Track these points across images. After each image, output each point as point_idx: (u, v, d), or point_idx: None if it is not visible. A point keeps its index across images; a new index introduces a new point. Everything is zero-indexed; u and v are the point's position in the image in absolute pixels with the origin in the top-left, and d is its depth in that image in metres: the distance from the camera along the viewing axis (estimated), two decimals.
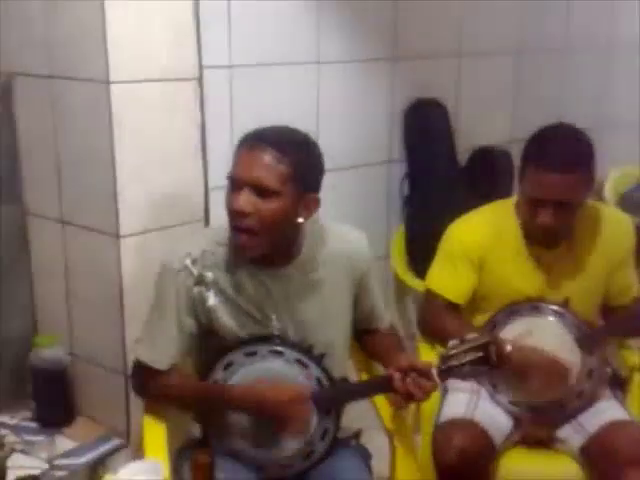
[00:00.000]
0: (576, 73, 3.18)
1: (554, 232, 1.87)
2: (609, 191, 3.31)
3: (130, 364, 1.73)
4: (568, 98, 3.09)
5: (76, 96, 1.87)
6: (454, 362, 1.52)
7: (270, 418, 1.57)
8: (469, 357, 1.52)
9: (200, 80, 1.96)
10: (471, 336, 1.55)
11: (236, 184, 1.53)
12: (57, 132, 1.95)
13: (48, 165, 1.99)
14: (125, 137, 1.82)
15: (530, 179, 1.84)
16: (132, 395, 1.82)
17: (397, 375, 1.53)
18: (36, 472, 1.71)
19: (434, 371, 1.53)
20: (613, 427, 1.84)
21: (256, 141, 1.53)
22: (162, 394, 1.66)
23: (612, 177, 3.35)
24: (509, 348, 1.66)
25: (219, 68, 2.03)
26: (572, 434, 1.91)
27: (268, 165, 1.50)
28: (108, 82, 1.78)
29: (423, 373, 1.52)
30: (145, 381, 1.67)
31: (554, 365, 1.85)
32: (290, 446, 1.61)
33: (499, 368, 1.57)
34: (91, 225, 1.92)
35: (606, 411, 1.90)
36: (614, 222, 2.01)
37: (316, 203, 1.59)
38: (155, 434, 1.66)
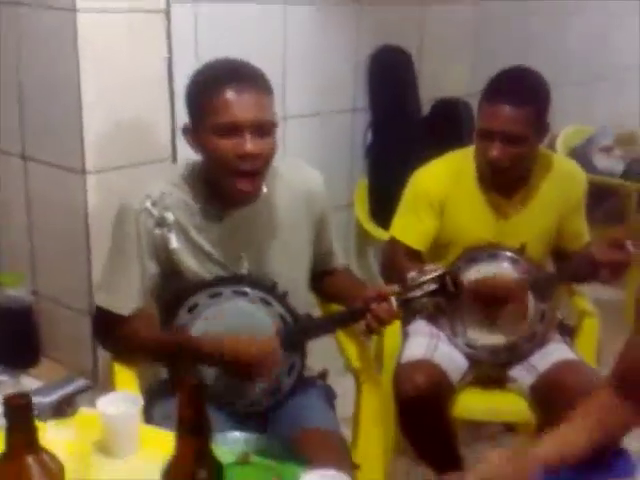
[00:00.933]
0: (536, 29, 3.23)
1: (504, 169, 1.92)
2: (560, 146, 3.41)
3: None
4: (526, 54, 3.14)
5: (42, 25, 1.82)
6: (413, 293, 1.58)
7: (239, 370, 1.56)
8: (427, 288, 1.58)
9: (167, 14, 1.94)
10: (428, 268, 1.61)
11: (237, 128, 1.50)
12: (21, 62, 1.89)
13: (11, 97, 1.94)
14: (91, 67, 1.79)
15: (482, 112, 1.92)
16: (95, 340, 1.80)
17: (368, 304, 1.58)
18: None
19: (394, 301, 1.58)
20: (561, 366, 1.92)
21: (241, 81, 1.51)
22: (125, 343, 1.62)
23: (564, 133, 3.44)
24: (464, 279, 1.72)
25: (186, 2, 2.01)
26: (523, 374, 2.00)
27: (264, 103, 1.52)
28: (75, 10, 1.74)
29: (385, 300, 1.57)
30: (107, 329, 1.64)
31: (511, 289, 1.93)
32: (257, 384, 1.62)
33: (456, 298, 1.63)
34: (56, 161, 1.89)
35: (555, 352, 1.99)
36: (567, 171, 2.09)
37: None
38: (125, 374, 1.64)
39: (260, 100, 1.51)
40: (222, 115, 1.50)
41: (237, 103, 1.50)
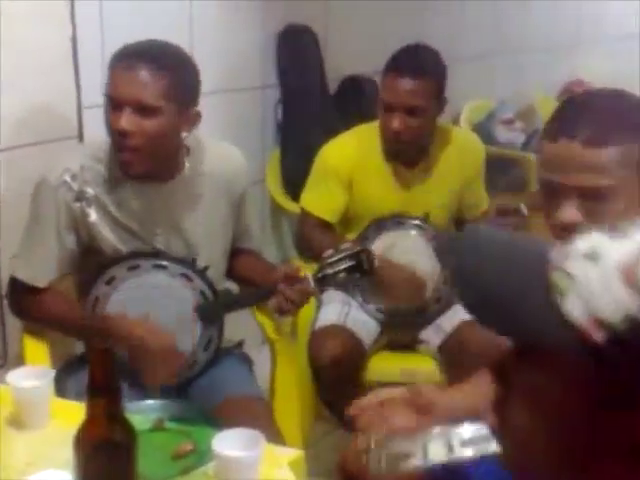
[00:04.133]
0: (436, 7, 3.31)
1: (406, 141, 2.01)
2: (464, 122, 3.53)
3: (5, 282, 1.70)
4: (428, 32, 3.23)
5: None
6: (329, 270, 1.64)
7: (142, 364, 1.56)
8: (343, 265, 1.65)
9: None
10: (344, 246, 1.68)
11: (116, 103, 1.53)
12: None
13: None
14: None
15: (384, 86, 2.02)
16: (9, 315, 1.79)
17: (281, 284, 1.63)
18: None
19: (310, 278, 1.64)
20: (464, 326, 2.02)
21: (131, 58, 1.52)
22: (41, 314, 1.64)
23: (467, 108, 3.57)
24: (377, 258, 1.80)
25: None
26: (432, 335, 2.09)
27: (146, 82, 1.51)
28: None
29: (301, 280, 1.63)
30: (23, 299, 1.65)
31: (412, 279, 2.02)
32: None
33: (370, 275, 1.71)
34: None
35: (459, 312, 2.07)
36: (465, 141, 2.20)
37: (197, 117, 1.62)
38: (37, 351, 1.65)
39: (145, 80, 1.51)
40: (108, 88, 1.54)
41: (119, 78, 1.53)
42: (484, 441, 0.82)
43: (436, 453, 0.85)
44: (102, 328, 1.57)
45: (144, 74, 1.51)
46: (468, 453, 0.84)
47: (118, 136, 1.53)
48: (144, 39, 1.57)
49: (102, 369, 0.92)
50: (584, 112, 1.17)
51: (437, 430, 0.87)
